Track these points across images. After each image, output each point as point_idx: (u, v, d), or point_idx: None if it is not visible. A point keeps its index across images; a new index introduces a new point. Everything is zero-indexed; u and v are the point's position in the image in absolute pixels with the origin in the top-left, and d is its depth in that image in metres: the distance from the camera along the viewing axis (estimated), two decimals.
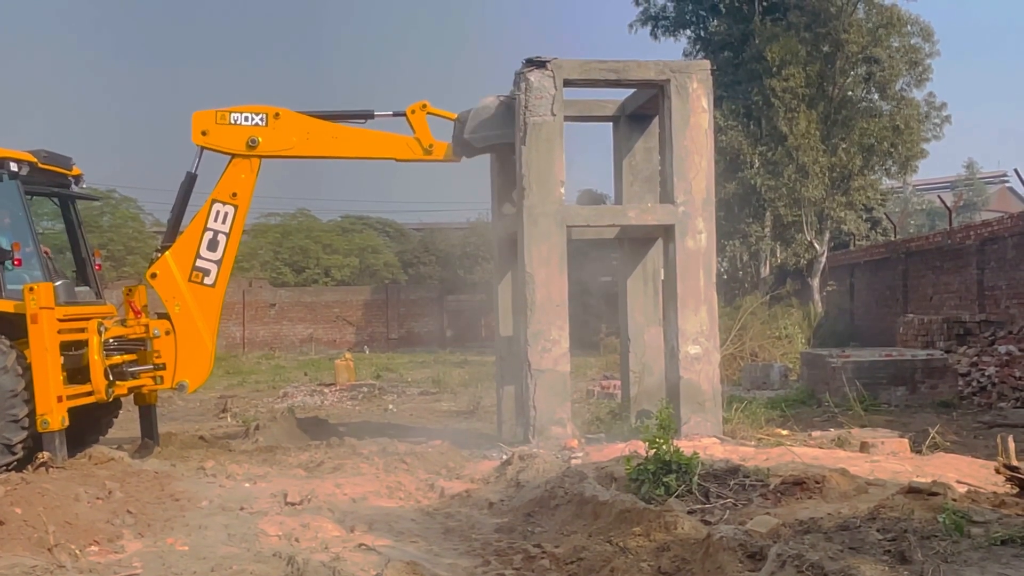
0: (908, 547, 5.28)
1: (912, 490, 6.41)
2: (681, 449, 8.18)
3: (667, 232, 11.87)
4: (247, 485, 9.19)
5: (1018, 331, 18.33)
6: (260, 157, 11.60)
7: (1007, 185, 51.80)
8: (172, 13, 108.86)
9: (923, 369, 16.21)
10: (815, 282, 28.33)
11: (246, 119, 11.54)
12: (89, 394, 10.43)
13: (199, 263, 11.43)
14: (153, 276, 11.48)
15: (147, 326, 11.27)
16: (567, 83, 11.51)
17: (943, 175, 52.94)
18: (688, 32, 33.17)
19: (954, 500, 6.25)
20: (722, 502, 7.56)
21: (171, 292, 11.37)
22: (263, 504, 8.30)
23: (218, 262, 11.48)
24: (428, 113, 11.91)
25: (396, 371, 26.18)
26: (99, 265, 11.95)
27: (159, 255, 11.56)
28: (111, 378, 10.59)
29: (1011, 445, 7.71)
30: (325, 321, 39.52)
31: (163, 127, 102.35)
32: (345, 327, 39.68)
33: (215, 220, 11.47)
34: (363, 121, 11.96)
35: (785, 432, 12.32)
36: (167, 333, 11.28)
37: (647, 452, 8.19)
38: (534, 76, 11.29)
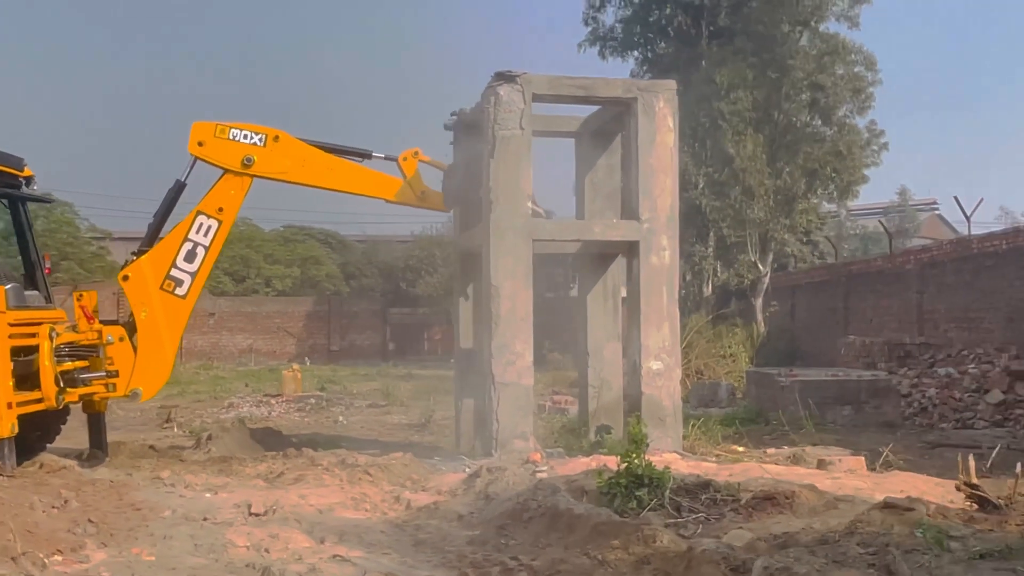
0: (893, 561, 5.37)
1: (888, 505, 6.52)
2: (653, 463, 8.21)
3: (631, 248, 11.94)
4: (208, 495, 8.98)
5: (956, 354, 18.85)
6: (253, 176, 11.43)
7: (937, 212, 53.30)
8: (121, 16, 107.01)
9: (868, 390, 16.59)
10: (758, 302, 28.73)
11: (245, 137, 11.34)
12: (39, 401, 10.10)
13: (174, 272, 11.17)
14: (125, 279, 11.22)
15: (100, 332, 10.97)
16: (536, 98, 11.54)
17: (876, 201, 54.25)
18: (635, 53, 33.57)
19: (929, 516, 6.38)
20: (695, 516, 7.59)
21: (141, 297, 11.11)
22: (227, 514, 8.11)
23: (193, 274, 11.23)
24: (420, 161, 11.90)
25: (340, 383, 25.89)
26: (48, 269, 11.61)
27: (135, 258, 11.31)
28: (62, 385, 10.28)
29: (971, 463, 7.89)
30: (265, 332, 38.98)
31: (104, 130, 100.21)
32: (286, 338, 39.17)
33: (197, 232, 11.24)
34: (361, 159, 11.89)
35: (742, 448, 12.48)
36: (120, 340, 11.00)
37: (619, 466, 8.20)
38: (503, 90, 11.30)
